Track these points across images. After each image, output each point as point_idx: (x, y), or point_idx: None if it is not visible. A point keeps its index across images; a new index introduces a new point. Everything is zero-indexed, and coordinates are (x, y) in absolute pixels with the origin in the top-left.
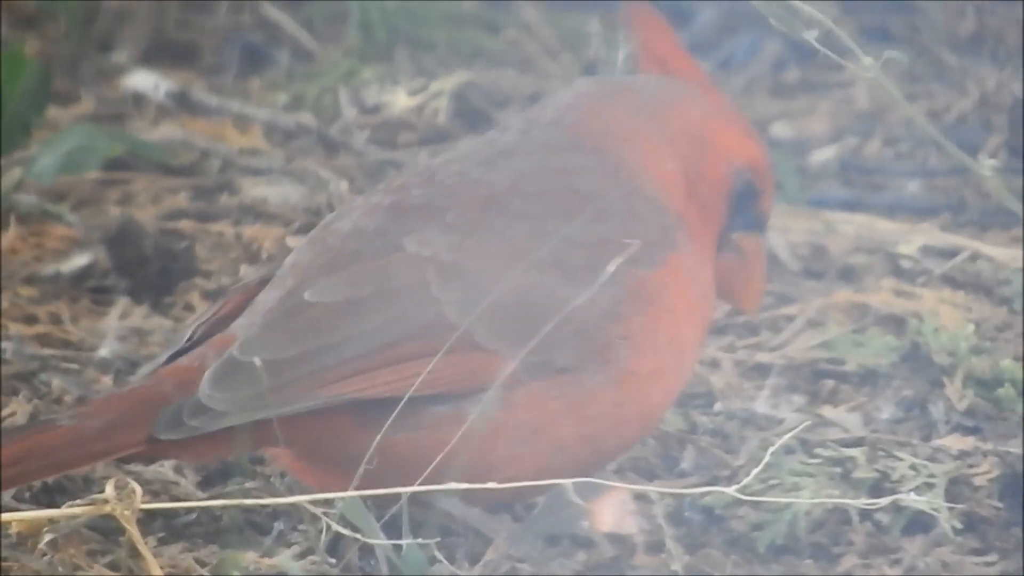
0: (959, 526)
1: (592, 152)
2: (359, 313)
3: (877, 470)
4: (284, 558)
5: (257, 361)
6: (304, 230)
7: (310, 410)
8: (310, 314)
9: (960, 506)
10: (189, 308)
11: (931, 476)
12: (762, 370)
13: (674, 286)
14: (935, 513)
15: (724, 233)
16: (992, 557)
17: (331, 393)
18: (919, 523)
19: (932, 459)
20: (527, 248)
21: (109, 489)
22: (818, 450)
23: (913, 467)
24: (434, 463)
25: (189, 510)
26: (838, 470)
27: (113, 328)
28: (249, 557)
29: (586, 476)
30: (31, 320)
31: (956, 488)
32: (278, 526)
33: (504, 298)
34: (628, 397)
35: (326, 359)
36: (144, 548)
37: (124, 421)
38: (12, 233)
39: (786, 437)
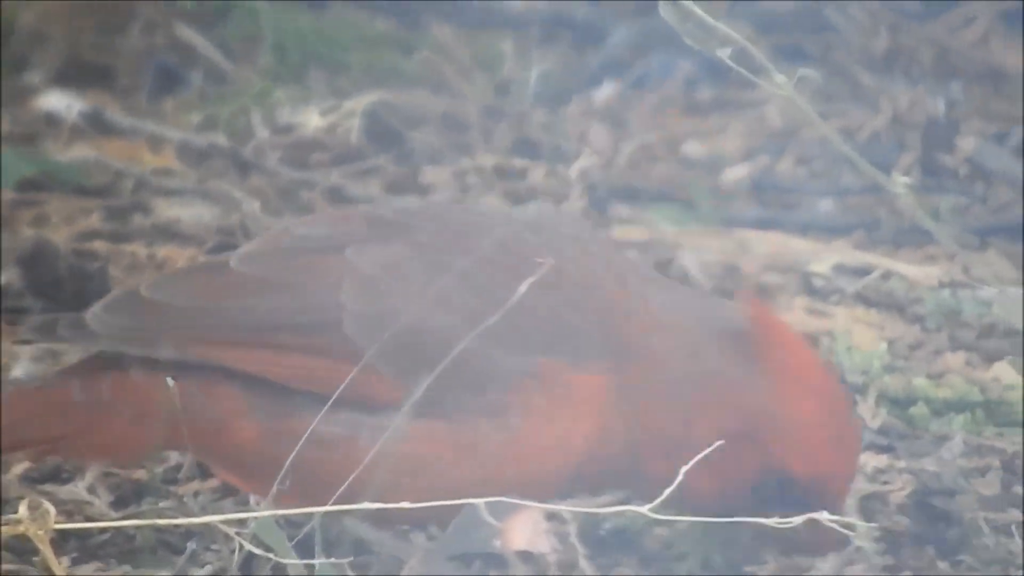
0: (872, 544)
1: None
2: (266, 291)
3: None
4: None
5: (146, 292)
6: (217, 250)
7: (186, 370)
8: (224, 278)
9: (873, 524)
10: None
11: None
12: None
13: (594, 400)
14: (848, 532)
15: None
16: (907, 574)
17: (204, 353)
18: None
19: None
20: (452, 292)
21: (22, 509)
22: None
23: None
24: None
25: (103, 530)
26: None
27: (27, 349)
28: None
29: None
30: None
31: (870, 505)
32: (191, 546)
33: (407, 329)
34: (513, 462)
35: (214, 320)
36: (58, 568)
37: None
38: None
39: (699, 456)
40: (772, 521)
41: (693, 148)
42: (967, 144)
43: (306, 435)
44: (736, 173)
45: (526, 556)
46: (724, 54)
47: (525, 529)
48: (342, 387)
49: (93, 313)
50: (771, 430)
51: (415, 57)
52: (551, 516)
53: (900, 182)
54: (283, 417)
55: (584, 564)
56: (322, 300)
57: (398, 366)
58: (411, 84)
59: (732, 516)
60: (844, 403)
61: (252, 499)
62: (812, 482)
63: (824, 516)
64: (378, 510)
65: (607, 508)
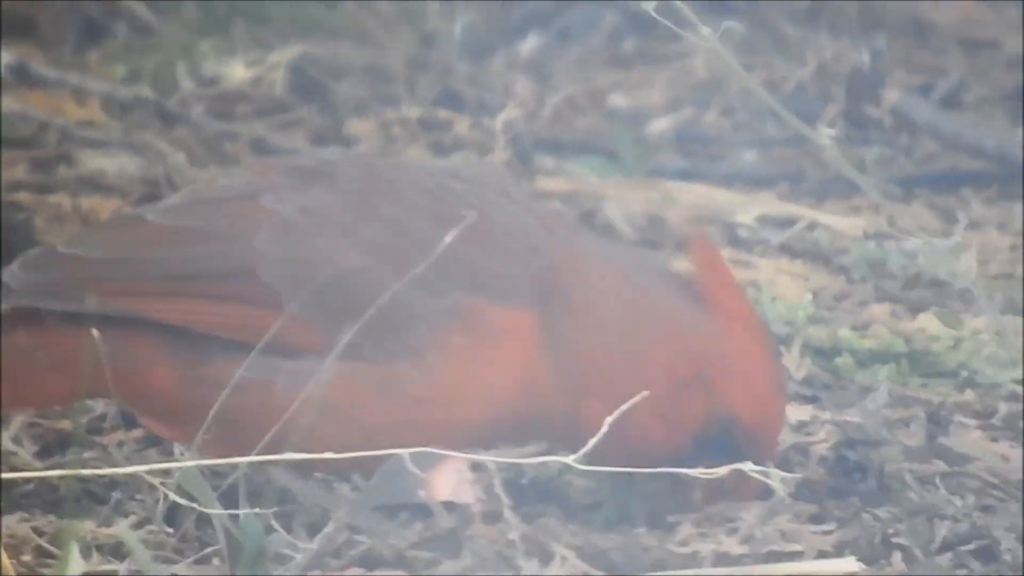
0: (794, 494)
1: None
2: (181, 241)
3: None
4: (122, 528)
5: (63, 248)
6: (141, 202)
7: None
8: (139, 229)
9: (796, 475)
10: None
11: None
12: None
13: (516, 338)
14: (769, 481)
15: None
16: (830, 525)
17: (123, 305)
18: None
19: None
20: (371, 234)
21: None
22: None
23: None
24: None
25: (27, 480)
26: None
27: None
28: (87, 527)
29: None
30: None
31: (793, 457)
32: (116, 496)
33: (324, 272)
34: (433, 405)
35: (131, 272)
36: None
37: None
38: None
39: (623, 407)
40: (697, 472)
41: (617, 100)
42: (892, 96)
43: (231, 384)
44: (660, 125)
45: (450, 506)
46: (649, 6)
47: (449, 479)
48: (268, 335)
49: (10, 271)
50: (720, 372)
51: (339, 9)
52: (476, 467)
53: (825, 134)
54: (202, 365)
55: (508, 515)
56: (238, 247)
57: (315, 311)
58: (335, 36)
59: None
60: (775, 349)
61: (176, 449)
62: (756, 427)
63: (748, 467)
64: (302, 459)
65: (532, 459)
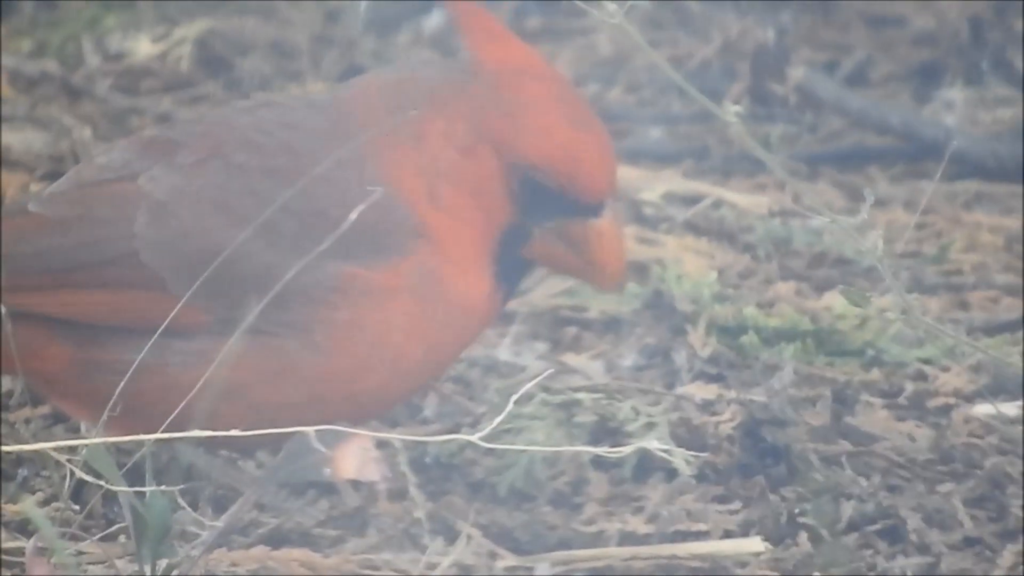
0: (697, 473)
1: (339, 134)
2: (62, 231)
3: (597, 414)
4: (28, 504)
5: None
6: (47, 177)
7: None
8: (20, 222)
9: (701, 455)
10: None
11: (650, 417)
12: (505, 318)
13: (395, 293)
14: (672, 459)
15: (520, 228)
16: (736, 505)
17: (9, 302)
18: (662, 470)
19: (676, 407)
20: (238, 205)
21: None
22: (544, 396)
23: (634, 409)
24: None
25: None
26: (563, 415)
27: None
28: None
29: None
30: None
31: (698, 436)
32: (22, 472)
33: (202, 250)
34: (328, 381)
35: (11, 267)
36: None
37: None
38: None
39: (528, 385)
40: (602, 450)
41: None
42: (797, 73)
43: (128, 373)
44: None
45: (356, 484)
46: None
47: (355, 457)
48: (167, 321)
49: None
50: (499, 126)
51: None
52: (381, 444)
53: (730, 110)
54: (94, 350)
55: (414, 492)
56: (118, 232)
57: (199, 290)
58: (241, 11)
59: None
60: (575, 93)
61: (83, 426)
62: (560, 171)
63: (654, 445)
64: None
65: (437, 437)
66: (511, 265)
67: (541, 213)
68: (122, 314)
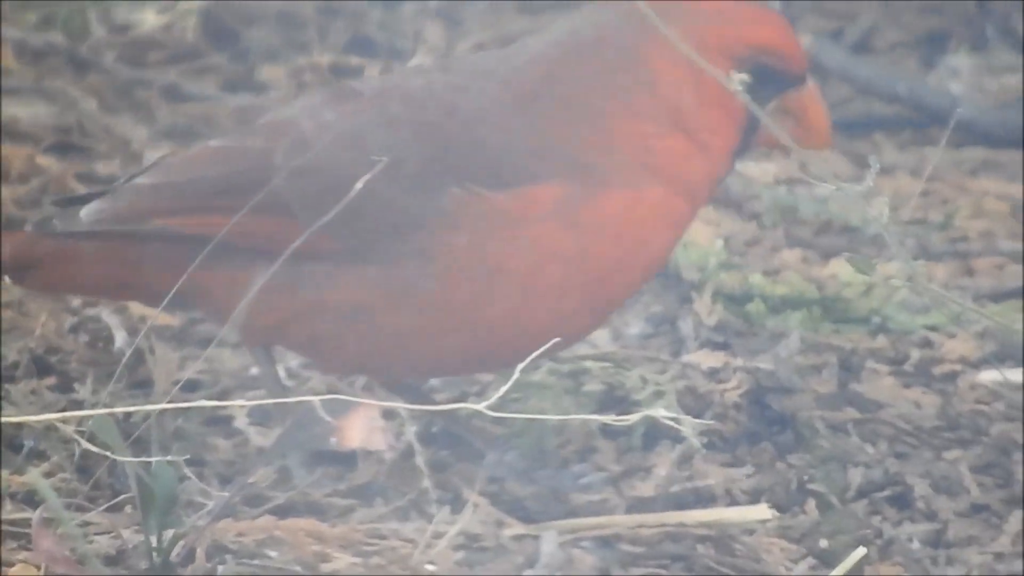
0: (705, 440)
1: (514, 101)
2: (221, 160)
3: (605, 382)
4: (34, 475)
5: (123, 181)
6: (54, 149)
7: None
8: (196, 154)
9: (708, 422)
10: None
11: (658, 385)
12: None
13: (526, 218)
14: (680, 428)
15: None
16: (744, 471)
17: (159, 223)
18: (669, 438)
19: (682, 375)
20: (373, 144)
21: None
22: (552, 364)
23: (641, 377)
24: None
25: None
26: (571, 383)
27: None
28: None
29: (433, 367)
30: None
31: (704, 403)
32: (28, 443)
33: (328, 181)
34: (447, 309)
35: (173, 191)
36: None
37: None
38: None
39: (535, 354)
40: (609, 418)
41: None
42: (803, 40)
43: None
44: None
45: (362, 454)
46: None
47: (361, 427)
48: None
49: (85, 209)
50: (720, 30)
51: None
52: (387, 414)
53: (736, 79)
54: (231, 270)
55: (421, 462)
56: (260, 162)
57: (323, 217)
58: None
59: None
60: None
61: (88, 397)
62: (781, 46)
63: (661, 414)
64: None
65: (443, 406)
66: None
67: (765, 94)
68: (252, 237)
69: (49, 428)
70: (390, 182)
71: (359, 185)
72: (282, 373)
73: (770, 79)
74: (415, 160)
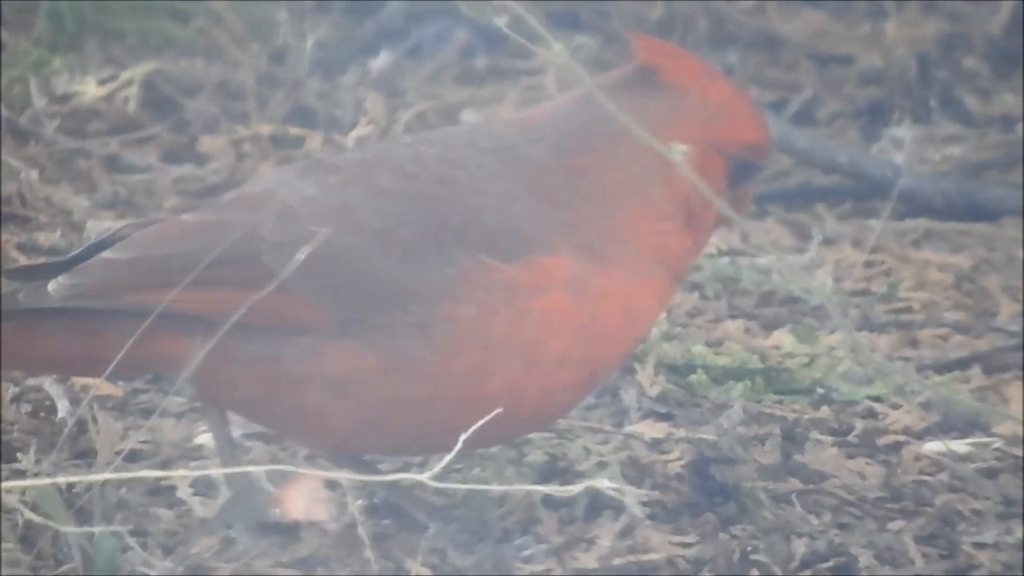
0: (648, 511)
1: (511, 172)
2: (199, 234)
3: (548, 453)
4: None
5: (107, 256)
6: None
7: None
8: (170, 228)
9: (652, 493)
10: None
11: (601, 456)
12: None
13: (535, 289)
14: (623, 498)
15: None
16: (687, 541)
17: (141, 299)
18: (612, 508)
19: (625, 446)
20: (365, 216)
21: None
22: None
23: (584, 448)
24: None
25: None
26: (514, 454)
27: None
28: None
29: (421, 443)
30: None
31: (647, 474)
32: None
33: (323, 252)
34: (447, 379)
35: (150, 266)
36: None
37: None
38: None
39: (477, 424)
40: (552, 489)
41: (469, 116)
42: None
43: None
44: None
45: (305, 524)
46: (500, 22)
47: (303, 497)
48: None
49: (56, 283)
50: (718, 126)
51: (191, 26)
52: (330, 484)
53: (677, 151)
54: (220, 343)
55: (363, 532)
56: (244, 236)
57: (314, 288)
58: (187, 53)
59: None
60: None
61: (31, 466)
62: (761, 143)
63: (604, 484)
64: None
65: (385, 476)
66: None
67: (738, 182)
68: (237, 312)
69: None
70: (384, 254)
71: (300, 257)
72: None
73: (745, 170)
74: (411, 231)
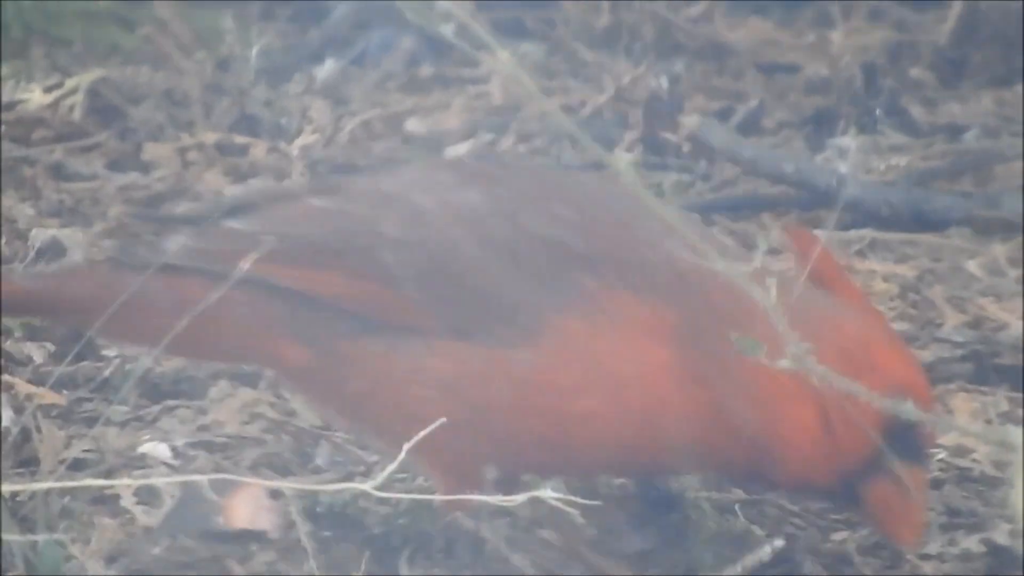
0: (591, 522)
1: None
2: (321, 218)
3: None
4: None
5: (232, 224)
6: None
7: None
8: (296, 209)
9: (596, 503)
10: None
11: None
12: None
13: (648, 330)
14: (568, 510)
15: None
16: (630, 550)
17: (250, 268)
18: (557, 519)
19: None
20: (495, 230)
21: None
22: None
23: None
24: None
25: None
26: None
27: None
28: None
29: (505, 454)
30: None
31: (591, 484)
32: None
33: (441, 259)
34: (540, 390)
35: (266, 240)
36: None
37: None
38: None
39: (422, 433)
40: (496, 499)
41: (414, 125)
42: (690, 121)
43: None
44: (457, 150)
45: (248, 534)
46: (446, 30)
47: (246, 506)
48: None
49: (176, 240)
50: (877, 353)
51: (137, 33)
52: (273, 494)
53: (623, 159)
54: (322, 336)
55: (306, 542)
56: (366, 228)
57: (427, 292)
58: (133, 60)
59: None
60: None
61: None
62: (925, 402)
63: (548, 494)
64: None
65: (329, 486)
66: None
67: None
68: (351, 300)
69: None
70: (506, 267)
71: (244, 266)
72: (168, 453)
73: (898, 435)
74: (538, 249)
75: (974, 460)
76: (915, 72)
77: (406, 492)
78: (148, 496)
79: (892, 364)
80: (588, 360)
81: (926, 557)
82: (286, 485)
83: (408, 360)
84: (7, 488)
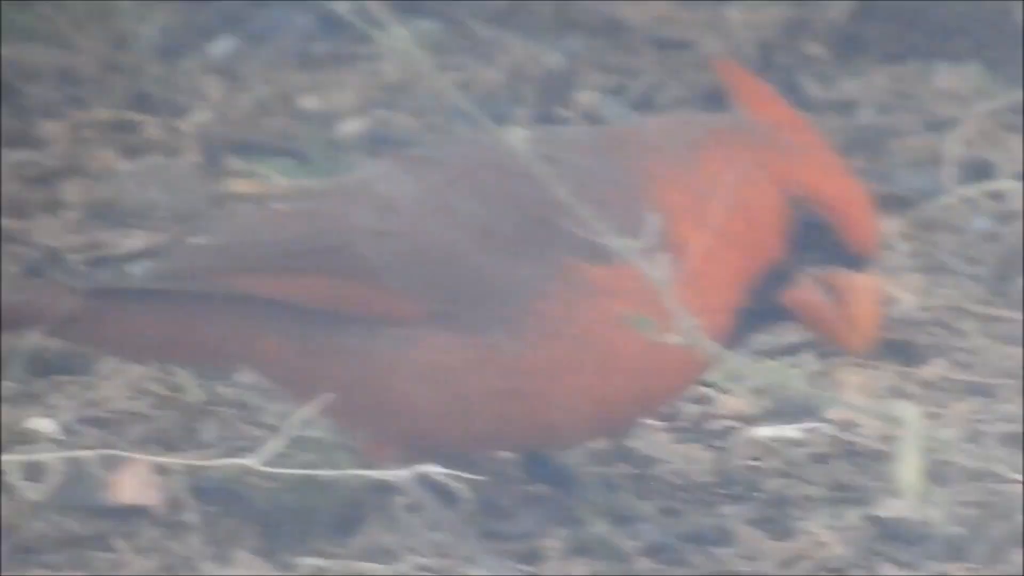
0: (477, 496)
1: (610, 170)
2: (291, 221)
3: None
4: None
5: (197, 241)
6: None
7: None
8: (260, 215)
9: (483, 478)
10: None
11: None
12: None
13: (620, 290)
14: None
15: (784, 270)
16: (517, 527)
17: (228, 282)
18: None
19: None
20: (464, 210)
21: None
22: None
23: None
24: None
25: None
26: (345, 437)
27: None
28: None
29: (498, 436)
30: None
31: (478, 459)
32: None
33: (419, 245)
34: (527, 374)
35: (239, 252)
36: None
37: None
38: None
39: (307, 408)
40: (381, 473)
41: (308, 102)
42: (585, 97)
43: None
44: (351, 127)
45: (134, 509)
46: (342, 7)
47: (133, 482)
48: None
49: (143, 265)
50: (784, 159)
51: (31, 10)
52: (159, 469)
53: (517, 136)
54: (308, 336)
55: (191, 517)
56: (339, 225)
57: (410, 281)
58: (27, 37)
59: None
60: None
61: None
62: (840, 210)
63: (434, 469)
64: None
65: (215, 461)
66: (762, 307)
67: (811, 257)
68: (334, 300)
69: None
70: (482, 250)
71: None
72: (58, 428)
73: (820, 244)
74: (509, 229)
75: (861, 434)
76: (811, 48)
77: (292, 468)
78: (34, 472)
79: (795, 172)
80: (564, 336)
81: (810, 533)
82: (172, 460)
83: (391, 353)
84: None
